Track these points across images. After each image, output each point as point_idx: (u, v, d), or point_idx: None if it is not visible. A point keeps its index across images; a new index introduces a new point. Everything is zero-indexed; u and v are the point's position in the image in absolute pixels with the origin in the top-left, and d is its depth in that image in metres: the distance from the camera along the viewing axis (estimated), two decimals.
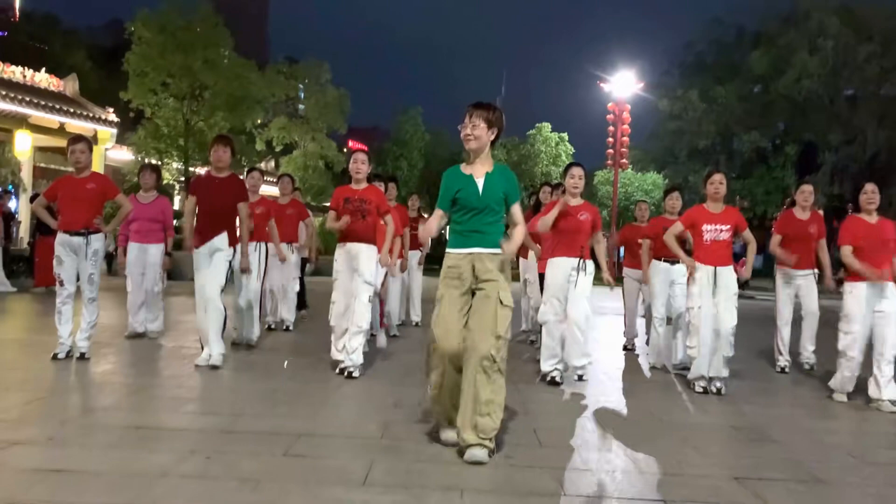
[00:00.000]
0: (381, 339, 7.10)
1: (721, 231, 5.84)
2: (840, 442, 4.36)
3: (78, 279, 6.11)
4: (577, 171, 6.04)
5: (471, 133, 3.92)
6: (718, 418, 4.94)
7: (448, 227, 4.14)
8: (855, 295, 5.54)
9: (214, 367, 5.87)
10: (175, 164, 24.14)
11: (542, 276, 6.59)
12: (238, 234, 6.21)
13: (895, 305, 5.44)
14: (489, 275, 3.82)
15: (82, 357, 6.04)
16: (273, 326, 8.51)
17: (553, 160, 34.89)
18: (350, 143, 57.52)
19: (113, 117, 22.59)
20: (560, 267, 5.90)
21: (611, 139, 28.38)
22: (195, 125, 23.90)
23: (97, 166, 23.25)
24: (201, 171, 26.24)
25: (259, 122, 28.48)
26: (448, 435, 3.89)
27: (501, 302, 3.76)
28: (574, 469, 3.59)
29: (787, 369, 6.94)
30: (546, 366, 5.91)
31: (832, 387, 5.74)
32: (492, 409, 3.66)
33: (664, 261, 6.96)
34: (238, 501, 2.93)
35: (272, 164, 32.23)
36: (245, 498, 2.97)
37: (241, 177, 6.64)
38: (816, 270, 6.94)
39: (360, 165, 5.94)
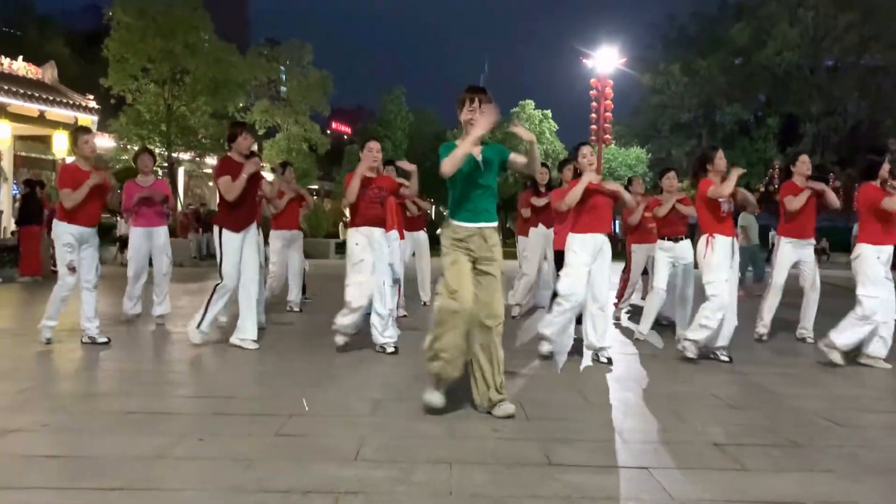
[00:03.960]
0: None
1: (731, 203, 5.99)
2: (816, 407, 4.48)
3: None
4: (586, 150, 5.98)
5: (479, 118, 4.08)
6: (700, 387, 5.06)
7: (450, 198, 4.23)
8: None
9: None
10: (157, 150, 24.00)
11: (557, 253, 6.64)
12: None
13: None
14: (492, 251, 4.15)
15: (93, 342, 6.22)
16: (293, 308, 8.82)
17: (537, 137, 34.88)
18: (334, 125, 57.32)
19: (93, 104, 22.36)
20: (587, 244, 5.80)
21: (594, 115, 28.44)
22: (177, 110, 23.76)
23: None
24: (184, 156, 26.17)
25: (241, 105, 28.31)
26: (433, 398, 4.08)
27: (502, 272, 4.18)
28: (559, 440, 3.68)
29: (765, 337, 7.08)
30: (551, 335, 5.89)
31: (837, 345, 5.78)
32: (503, 366, 4.15)
33: (668, 239, 7.06)
34: (232, 480, 3.01)
35: (255, 147, 32.08)
36: (238, 477, 3.05)
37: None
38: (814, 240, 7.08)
39: (377, 154, 6.16)
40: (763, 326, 7.12)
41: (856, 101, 34.16)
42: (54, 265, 14.02)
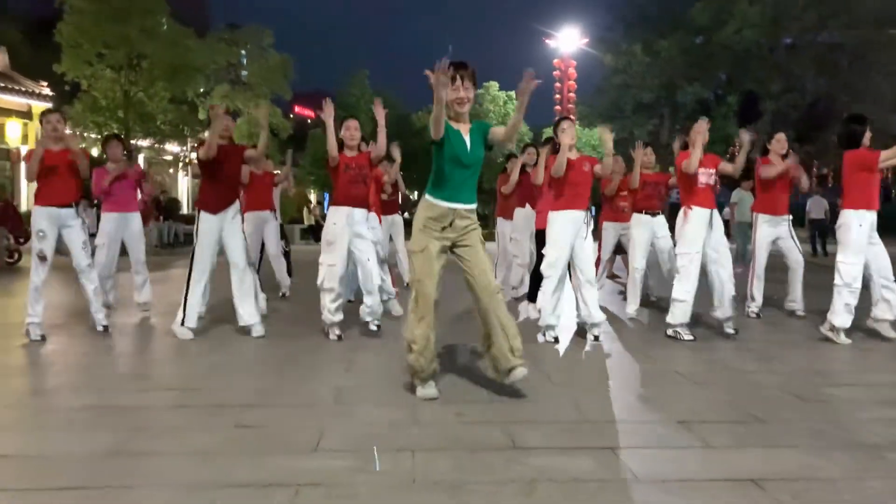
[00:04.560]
0: (396, 307, 7.22)
1: (711, 175, 5.98)
2: (779, 382, 4.51)
3: (61, 252, 6.13)
4: (566, 124, 5.96)
5: (466, 96, 4.04)
6: (663, 365, 5.07)
7: (433, 176, 4.13)
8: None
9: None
10: None
11: (539, 233, 6.60)
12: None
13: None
14: (470, 228, 4.12)
15: (105, 330, 6.18)
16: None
17: (501, 119, 34.83)
18: (297, 109, 56.64)
19: (47, 91, 21.84)
20: (568, 220, 5.77)
21: (558, 95, 28.49)
22: (134, 96, 23.22)
23: (33, 142, 22.47)
24: (143, 143, 25.64)
25: (201, 90, 27.78)
26: (427, 391, 4.05)
27: (483, 244, 4.17)
28: (523, 422, 3.65)
29: (760, 314, 7.17)
30: (550, 319, 5.88)
31: (836, 325, 5.82)
32: (515, 329, 4.10)
33: (645, 213, 7.10)
34: (189, 476, 2.92)
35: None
36: (195, 472, 2.96)
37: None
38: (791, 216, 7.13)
39: (354, 132, 6.13)
40: (756, 306, 7.22)
41: (814, 79, 34.55)
42: (9, 256, 13.78)
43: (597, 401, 4.12)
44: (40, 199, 5.95)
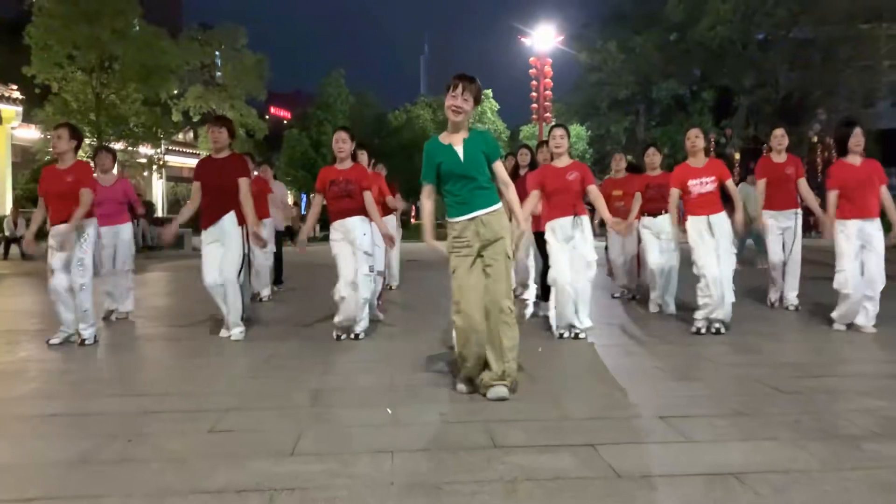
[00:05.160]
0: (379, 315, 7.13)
1: (706, 183, 5.99)
2: (759, 375, 4.51)
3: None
4: (558, 132, 5.98)
5: (461, 106, 4.02)
6: (643, 360, 5.07)
7: (444, 199, 4.18)
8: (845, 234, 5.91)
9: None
10: (87, 141, 23.18)
11: (537, 236, 6.59)
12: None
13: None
14: (495, 234, 4.03)
15: (83, 343, 5.94)
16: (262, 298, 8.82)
17: (478, 117, 34.88)
18: (272, 110, 56.31)
19: (17, 94, 21.51)
20: (557, 229, 5.85)
21: (534, 94, 28.50)
22: (106, 98, 22.94)
23: (2, 146, 22.22)
24: (117, 146, 25.35)
25: (175, 92, 27.53)
26: (461, 387, 4.15)
27: (509, 256, 4.07)
28: (504, 420, 3.61)
29: (782, 304, 7.27)
30: (562, 325, 5.90)
31: (833, 317, 6.03)
32: (513, 354, 4.06)
33: (647, 215, 7.15)
34: (162, 482, 2.85)
35: (191, 135, 31.35)
36: (170, 478, 2.89)
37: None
38: (800, 209, 7.17)
39: (342, 145, 6.03)
40: (791, 300, 7.29)
41: (786, 74, 34.96)
42: None
43: (577, 398, 4.10)
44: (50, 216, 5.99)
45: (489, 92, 36.49)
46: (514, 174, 8.21)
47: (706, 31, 32.69)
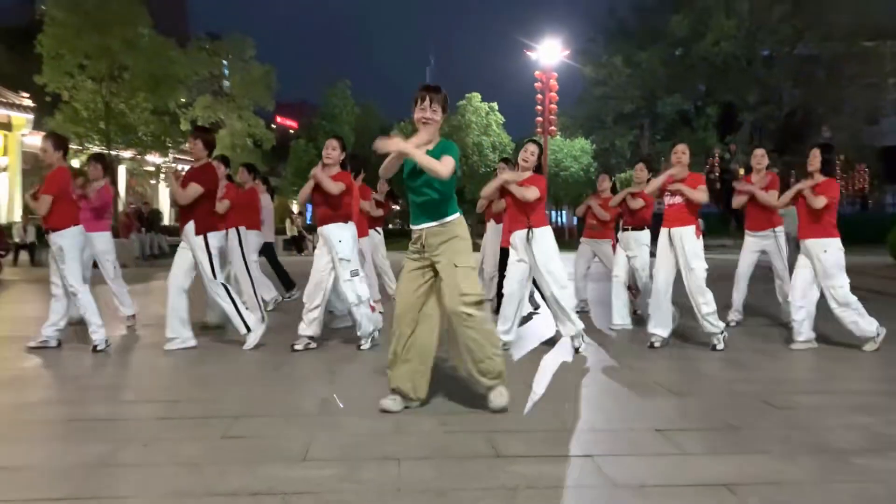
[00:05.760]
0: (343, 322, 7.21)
1: (674, 195, 6.09)
2: (753, 390, 4.63)
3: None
4: (530, 147, 6.12)
5: (431, 117, 4.11)
6: (642, 375, 5.19)
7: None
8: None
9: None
10: (96, 148, 23.41)
11: (503, 251, 6.74)
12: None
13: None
14: (441, 246, 4.07)
15: (94, 350, 6.05)
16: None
17: (484, 130, 35.04)
18: (279, 119, 56.64)
19: (28, 102, 21.76)
20: (514, 241, 5.98)
21: (539, 107, 28.64)
22: (116, 107, 23.18)
23: (13, 153, 22.47)
24: (125, 154, 25.57)
25: (183, 101, 27.79)
26: (386, 402, 4.09)
27: (455, 265, 4.01)
28: (506, 431, 3.74)
29: (732, 323, 7.30)
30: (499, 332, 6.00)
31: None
32: (485, 353, 4.02)
33: (631, 229, 7.27)
34: (178, 485, 2.99)
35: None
36: (185, 482, 3.02)
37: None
38: (780, 228, 7.23)
39: (331, 152, 6.16)
40: (734, 313, 7.41)
41: (790, 90, 35.14)
42: None
43: (577, 409, 4.22)
44: None
45: (495, 105, 36.65)
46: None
47: (710, 47, 32.86)
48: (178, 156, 28.15)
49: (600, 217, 7.90)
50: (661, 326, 6.12)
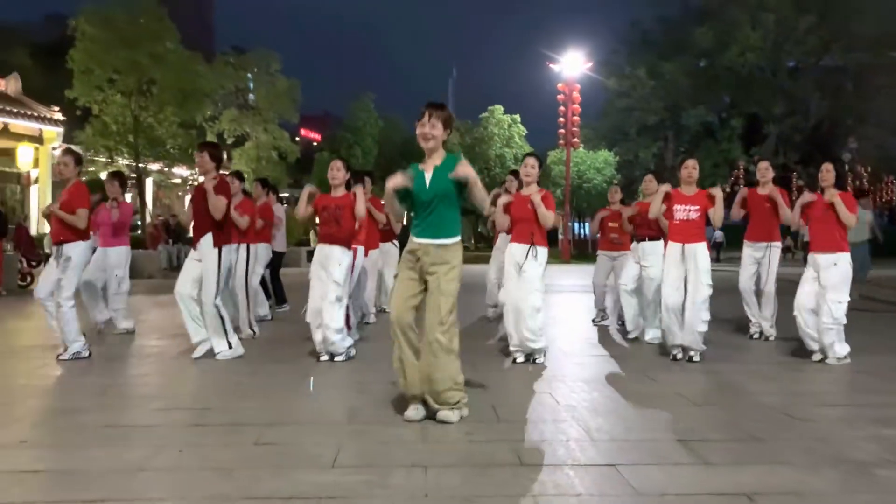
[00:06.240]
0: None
1: (690, 211, 6.15)
2: (775, 403, 4.66)
3: None
4: (530, 161, 6.26)
5: (430, 133, 4.19)
6: (665, 386, 5.23)
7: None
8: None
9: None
10: (125, 161, 23.83)
11: None
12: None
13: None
14: (434, 267, 4.16)
15: (58, 357, 6.23)
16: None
17: (506, 142, 35.19)
18: (303, 132, 57.21)
19: (59, 116, 22.19)
20: (512, 253, 6.10)
21: (562, 119, 28.72)
22: (144, 121, 23.57)
23: (44, 166, 22.89)
24: (153, 166, 25.97)
25: (209, 114, 28.17)
26: (409, 412, 4.18)
27: (442, 292, 4.11)
28: (531, 441, 3.82)
29: (755, 336, 7.36)
30: (513, 344, 6.11)
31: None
32: (446, 384, 4.08)
33: (636, 240, 7.35)
34: (214, 489, 3.09)
35: (224, 157, 31.93)
36: (219, 486, 3.13)
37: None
38: (778, 242, 7.25)
39: (336, 173, 6.26)
40: (755, 327, 7.42)
41: (816, 102, 34.91)
42: (21, 279, 13.98)
43: (601, 420, 4.27)
44: None
45: (517, 117, 36.79)
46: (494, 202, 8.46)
47: (735, 58, 32.79)
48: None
49: (626, 230, 7.91)
50: (678, 339, 6.15)
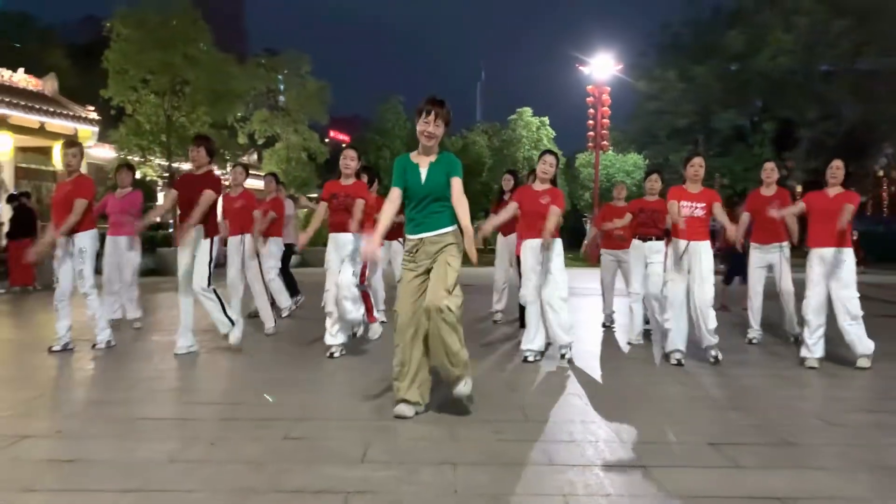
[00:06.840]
0: (376, 330, 7.21)
1: (696, 208, 6.09)
2: (808, 407, 4.60)
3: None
4: (549, 158, 6.26)
5: (433, 131, 4.24)
6: (694, 389, 5.18)
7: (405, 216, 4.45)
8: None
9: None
10: (157, 161, 24.13)
11: (519, 259, 6.89)
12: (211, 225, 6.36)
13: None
14: (435, 248, 4.23)
15: (93, 347, 6.51)
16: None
17: (534, 144, 35.03)
18: (332, 133, 57.58)
19: (93, 115, 22.53)
20: (528, 249, 6.11)
21: (591, 121, 28.55)
22: (177, 121, 23.86)
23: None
24: (185, 166, 26.29)
25: (240, 115, 28.43)
26: (399, 409, 4.22)
27: (449, 263, 4.17)
28: (559, 441, 3.80)
29: (755, 341, 7.21)
30: (524, 345, 6.15)
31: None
32: (456, 347, 4.11)
33: (638, 238, 7.24)
34: (244, 482, 3.12)
35: (255, 157, 32.20)
36: (250, 479, 3.16)
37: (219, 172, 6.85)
38: (786, 242, 7.13)
39: (349, 162, 6.32)
40: (754, 332, 7.29)
41: (850, 106, 34.33)
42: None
43: (630, 422, 4.24)
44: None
45: (546, 119, 36.64)
46: (500, 198, 8.42)
47: (767, 62, 32.35)
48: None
49: (621, 224, 7.76)
50: (681, 341, 6.08)
